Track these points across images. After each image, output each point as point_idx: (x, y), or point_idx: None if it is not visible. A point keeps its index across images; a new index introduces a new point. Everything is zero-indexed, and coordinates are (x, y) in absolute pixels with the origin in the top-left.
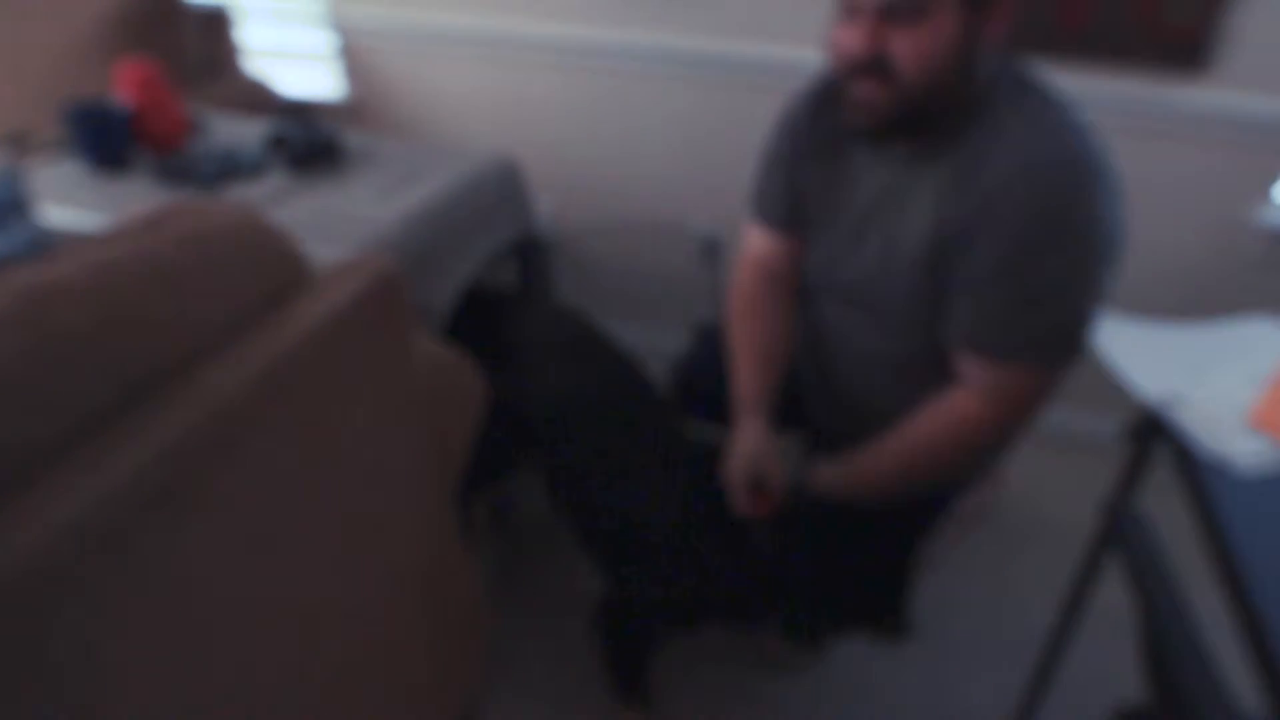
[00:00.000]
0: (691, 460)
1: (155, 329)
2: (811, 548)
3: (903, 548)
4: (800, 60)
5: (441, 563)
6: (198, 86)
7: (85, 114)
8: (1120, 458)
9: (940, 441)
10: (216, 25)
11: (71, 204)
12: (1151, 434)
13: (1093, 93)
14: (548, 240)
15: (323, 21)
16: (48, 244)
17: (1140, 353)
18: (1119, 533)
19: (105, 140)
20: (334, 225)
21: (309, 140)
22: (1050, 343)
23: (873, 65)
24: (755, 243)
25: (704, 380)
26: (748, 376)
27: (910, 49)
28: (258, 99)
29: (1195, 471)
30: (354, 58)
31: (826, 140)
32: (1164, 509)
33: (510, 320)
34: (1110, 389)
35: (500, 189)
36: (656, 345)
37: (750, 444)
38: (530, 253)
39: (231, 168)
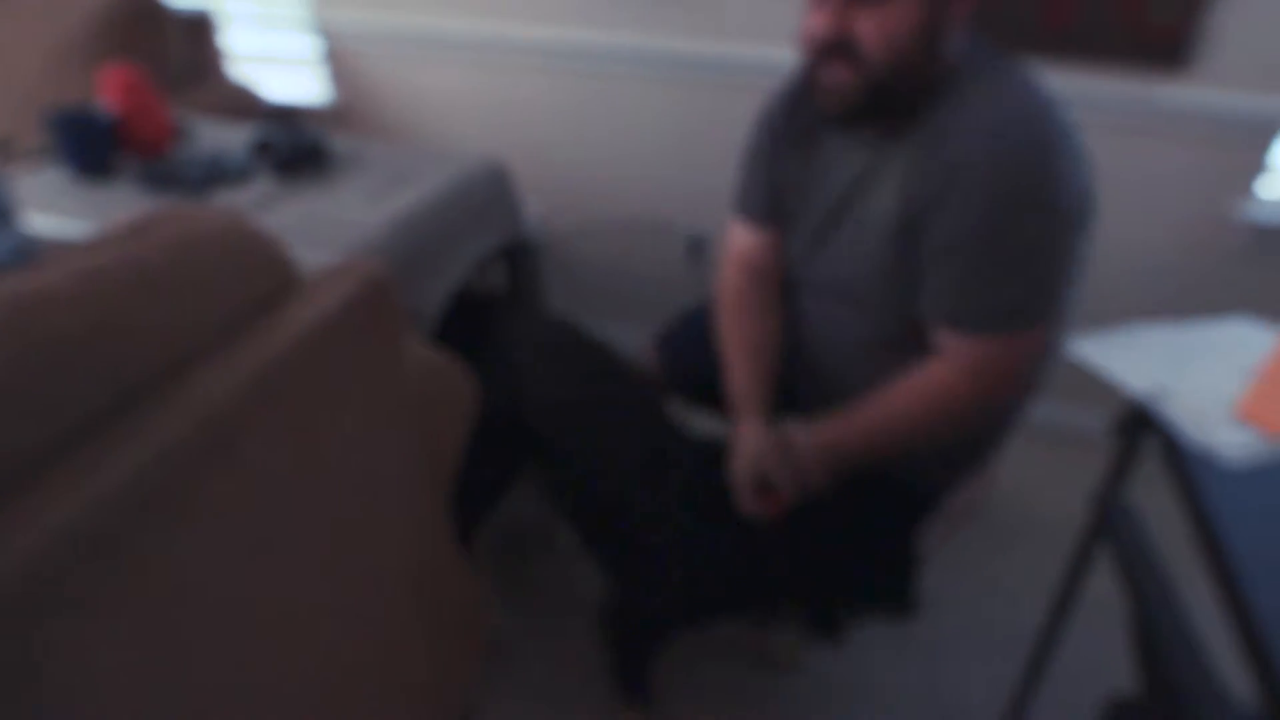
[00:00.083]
0: (695, 460)
1: (144, 335)
2: (818, 538)
3: (905, 530)
4: (784, 60)
5: (435, 565)
6: (182, 92)
7: (69, 120)
8: (1109, 452)
9: (918, 413)
10: (200, 30)
11: (56, 211)
12: (1139, 427)
13: (1077, 91)
14: (536, 243)
15: (307, 26)
16: (33, 252)
17: (1125, 352)
18: (1108, 524)
19: (89, 147)
20: (322, 230)
21: (295, 145)
22: (1023, 312)
23: (840, 47)
24: (739, 239)
25: (689, 359)
26: (742, 375)
27: (875, 30)
28: (242, 104)
29: (1183, 463)
30: (339, 62)
31: (802, 133)
32: (1153, 502)
33: (499, 329)
34: (1098, 385)
35: (489, 192)
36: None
37: (753, 444)
38: (519, 255)
39: (217, 173)
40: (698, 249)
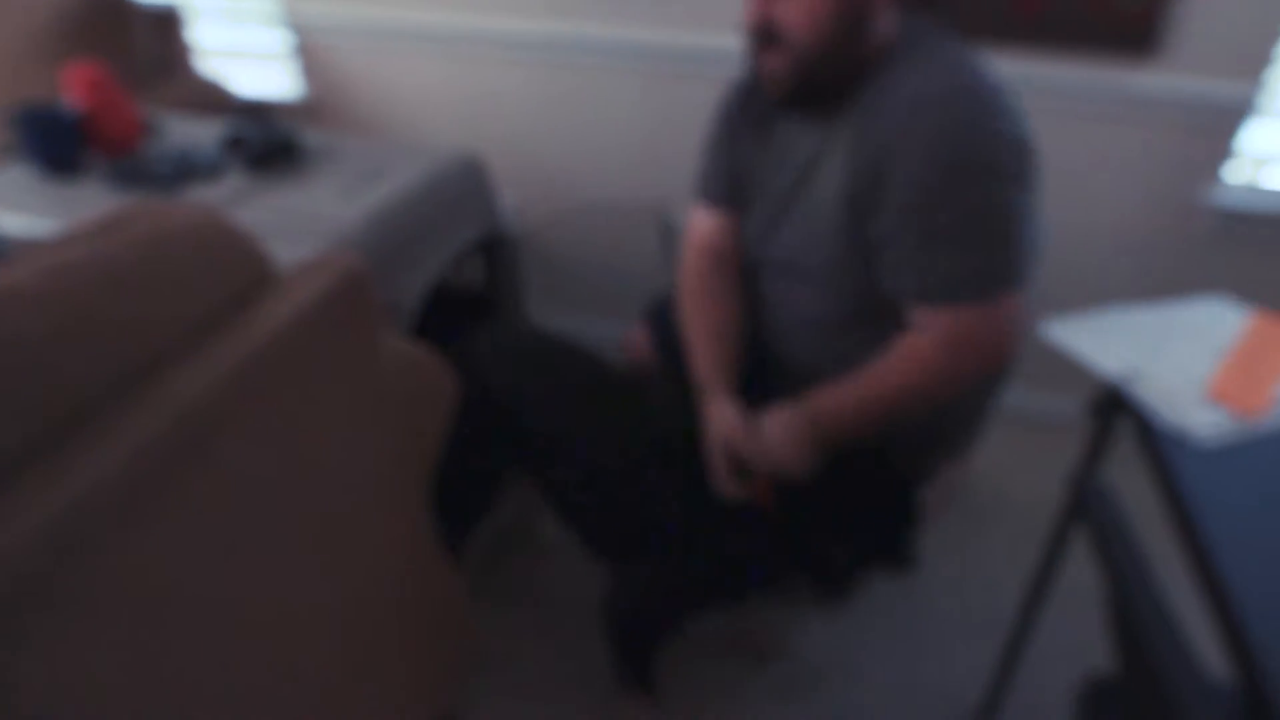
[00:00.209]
0: (685, 446)
1: (116, 333)
2: (811, 516)
3: (900, 490)
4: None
5: (417, 562)
6: (150, 88)
7: (33, 118)
8: (1083, 435)
9: (899, 388)
10: (167, 25)
11: (21, 210)
12: (1113, 409)
13: (1047, 78)
14: (513, 236)
15: (277, 20)
16: (3, 251)
17: (1098, 335)
18: (1084, 505)
19: (55, 144)
20: (296, 225)
21: (267, 140)
22: (989, 275)
23: (767, 34)
24: (700, 224)
25: (680, 335)
26: (706, 356)
27: (794, 15)
28: (212, 99)
29: (1156, 444)
30: (310, 56)
31: (757, 118)
32: (1128, 483)
33: (468, 343)
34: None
35: (464, 186)
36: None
37: (722, 422)
38: (496, 249)
39: (187, 169)
40: (673, 236)
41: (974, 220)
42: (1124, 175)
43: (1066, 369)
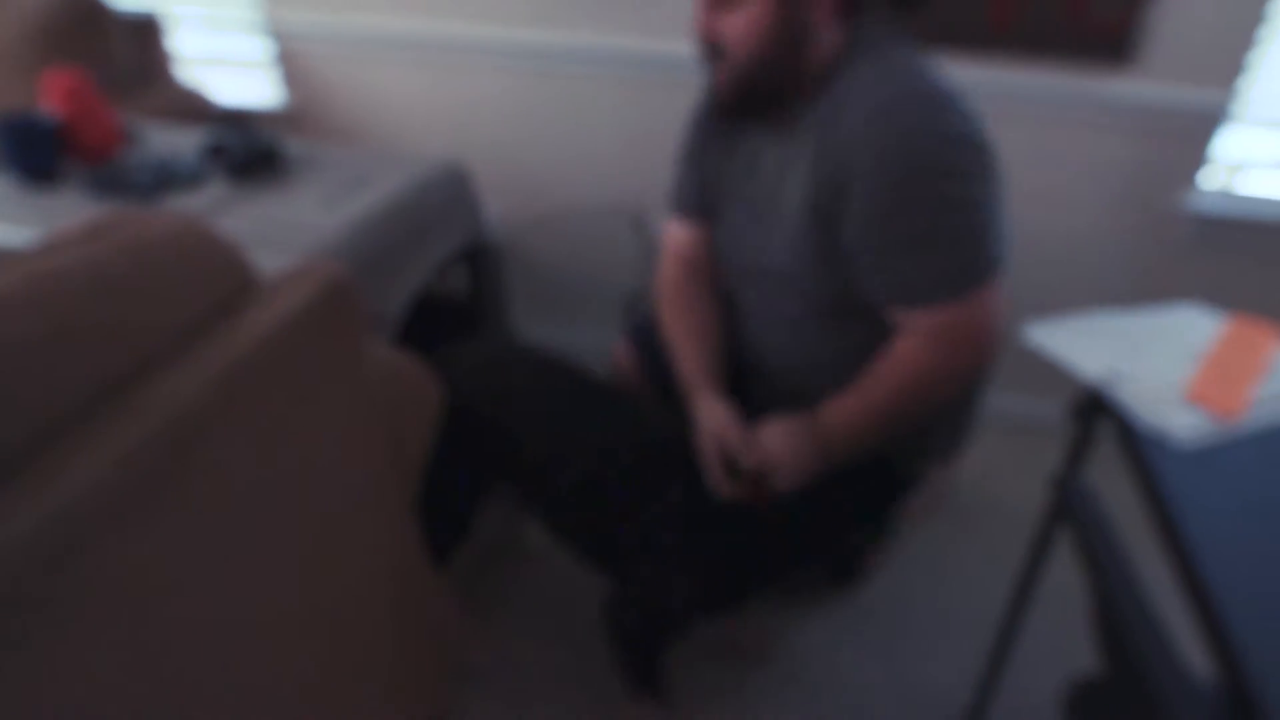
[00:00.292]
0: (678, 451)
1: (101, 339)
2: (809, 507)
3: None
4: None
5: (404, 567)
6: (129, 96)
7: (11, 126)
8: (1065, 438)
9: (898, 393)
10: (146, 33)
11: (0, 219)
12: (1094, 411)
13: (1024, 86)
14: (497, 244)
15: (258, 27)
16: None
17: (1077, 339)
18: (1067, 506)
19: (33, 153)
20: (278, 234)
21: (248, 148)
22: (966, 271)
23: (711, 48)
24: (675, 235)
25: (664, 350)
26: (690, 357)
27: (733, 31)
28: (192, 108)
29: (1136, 445)
30: (291, 64)
31: (725, 130)
32: (1112, 487)
33: (448, 358)
34: (1054, 374)
35: (448, 194)
36: (609, 346)
37: (713, 421)
38: (480, 258)
39: (167, 178)
40: (648, 237)
41: (940, 222)
42: (1101, 181)
43: (1049, 373)
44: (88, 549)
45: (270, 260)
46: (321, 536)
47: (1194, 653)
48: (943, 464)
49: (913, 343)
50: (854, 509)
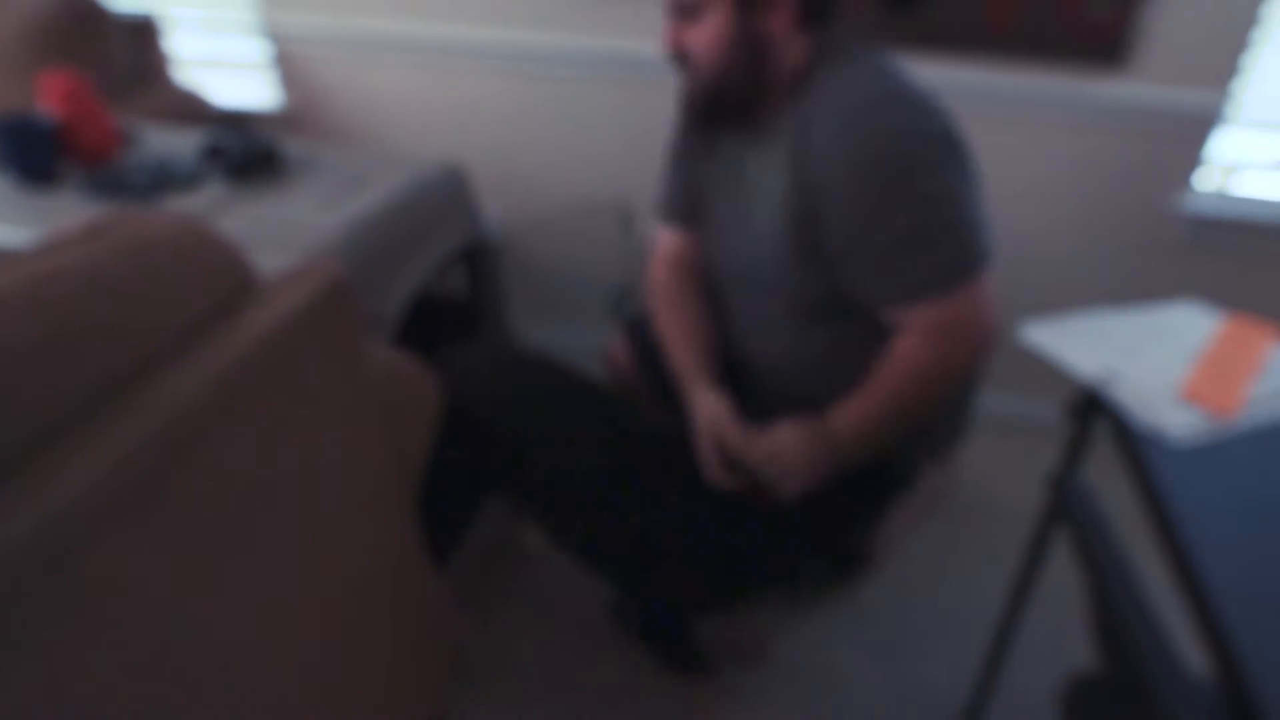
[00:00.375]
0: (683, 456)
1: (101, 340)
2: (808, 502)
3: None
4: None
5: (404, 567)
6: (127, 98)
7: (8, 127)
8: (1062, 438)
9: (903, 391)
10: (144, 35)
11: None
12: (1090, 410)
13: (1020, 88)
14: (495, 245)
15: (255, 29)
16: None
17: (1073, 338)
18: (1065, 505)
19: (30, 154)
20: (277, 234)
21: (247, 149)
22: (956, 264)
23: (678, 59)
24: (664, 240)
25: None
26: (683, 353)
27: (696, 42)
28: (190, 109)
29: (1132, 444)
30: (288, 66)
31: (708, 136)
32: (1110, 487)
33: (446, 364)
34: (1052, 374)
35: (446, 195)
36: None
37: (709, 412)
38: (478, 258)
39: (166, 179)
40: (632, 228)
41: (924, 218)
42: (1096, 183)
43: (1046, 374)
44: (88, 549)
45: (269, 261)
46: (321, 536)
47: (1191, 650)
48: (938, 462)
49: (912, 341)
50: (851, 507)
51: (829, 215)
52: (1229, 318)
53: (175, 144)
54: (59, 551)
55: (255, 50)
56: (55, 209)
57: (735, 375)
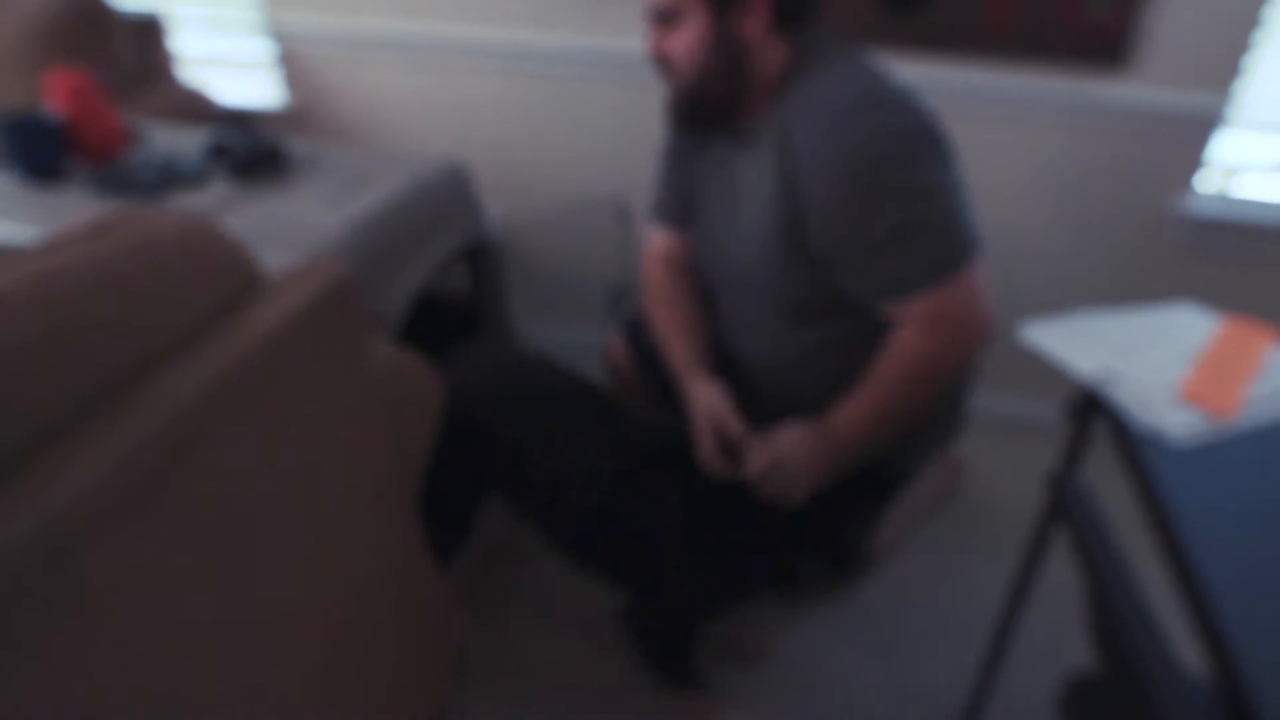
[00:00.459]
0: (677, 453)
1: (106, 337)
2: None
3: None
4: None
5: (406, 565)
6: (132, 96)
7: (15, 125)
8: (1063, 440)
9: (902, 385)
10: (149, 34)
11: (3, 217)
12: (1089, 411)
13: (1021, 89)
14: (497, 243)
15: (259, 29)
16: None
17: (1074, 338)
18: (1064, 505)
19: (37, 151)
20: (281, 232)
21: (251, 148)
22: (945, 254)
23: (661, 64)
24: (658, 241)
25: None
26: (679, 346)
27: (676, 48)
28: (195, 108)
29: (1131, 444)
30: (293, 65)
31: (698, 139)
32: (1110, 489)
33: (450, 368)
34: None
35: (448, 194)
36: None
37: (707, 400)
38: (480, 257)
39: (171, 177)
40: (629, 222)
41: (907, 215)
42: (1097, 184)
43: (1046, 374)
44: (89, 548)
45: (273, 259)
46: (323, 534)
47: (1189, 651)
48: (932, 461)
49: (909, 334)
50: (847, 506)
51: (815, 215)
52: (1228, 319)
53: (180, 142)
54: (60, 550)
55: (259, 49)
56: (61, 206)
57: (727, 375)
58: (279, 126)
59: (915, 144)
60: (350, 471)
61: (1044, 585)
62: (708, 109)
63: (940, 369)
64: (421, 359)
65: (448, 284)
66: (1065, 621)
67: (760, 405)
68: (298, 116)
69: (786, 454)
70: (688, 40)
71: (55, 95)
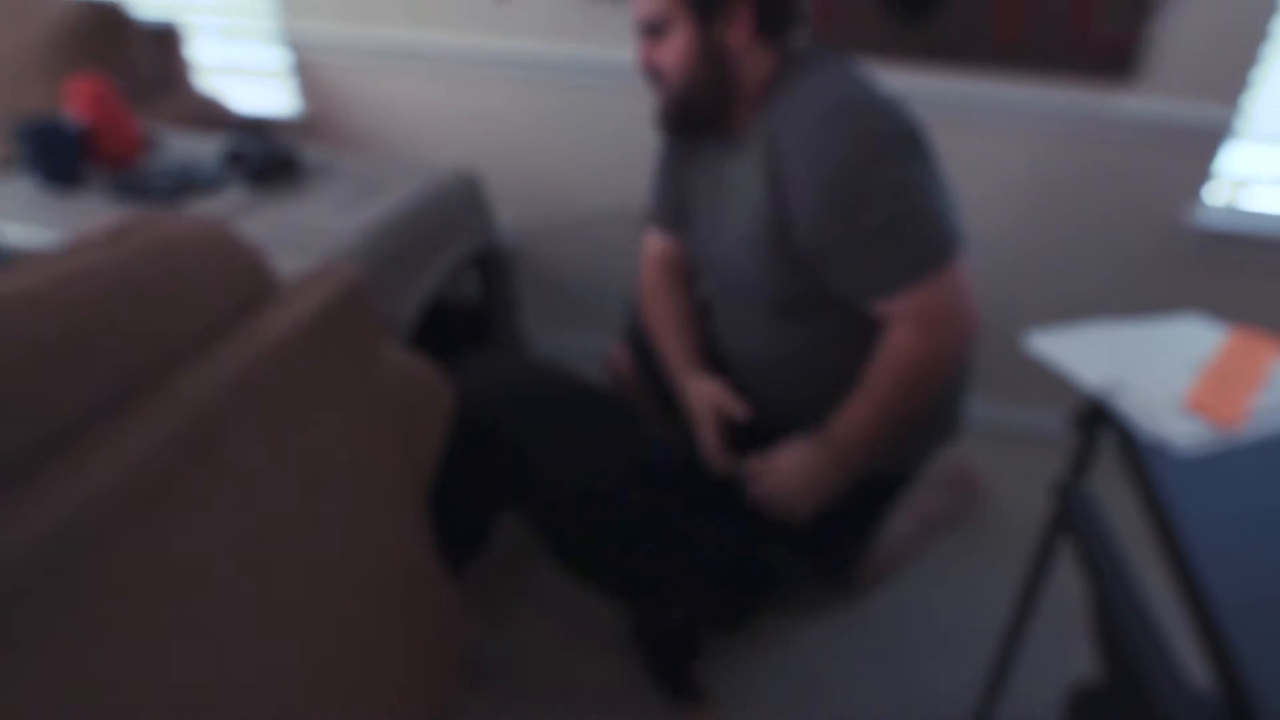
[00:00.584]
0: (690, 472)
1: (126, 338)
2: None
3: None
4: None
5: (413, 568)
6: (149, 103)
7: (35, 131)
8: (1068, 449)
9: (898, 384)
10: (167, 42)
11: (24, 221)
12: (1095, 420)
13: (1030, 101)
14: (509, 251)
15: (275, 38)
16: (5, 261)
17: (1079, 348)
18: (1069, 514)
19: (57, 157)
20: (295, 238)
21: (267, 155)
22: (928, 250)
23: (651, 75)
24: (653, 244)
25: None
26: (673, 343)
27: (665, 58)
28: (211, 116)
29: (1137, 454)
30: (308, 74)
31: (689, 145)
32: (1116, 497)
33: (459, 375)
34: (1059, 385)
35: (460, 201)
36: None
37: (705, 391)
38: (492, 264)
39: (188, 183)
40: (641, 225)
41: (892, 214)
42: (1106, 196)
43: (1053, 384)
44: (107, 544)
45: (287, 264)
46: (332, 534)
47: (1194, 661)
48: (930, 462)
49: (898, 335)
50: (847, 512)
51: (801, 216)
52: (1234, 331)
53: (197, 149)
54: (79, 546)
55: (275, 58)
56: (80, 211)
57: (720, 375)
58: (294, 134)
59: (896, 145)
60: (360, 473)
61: (1051, 595)
62: (696, 115)
63: (933, 367)
64: (432, 364)
65: (459, 291)
66: (1072, 631)
67: (754, 407)
68: (312, 124)
69: (788, 473)
70: (676, 50)
71: (76, 102)
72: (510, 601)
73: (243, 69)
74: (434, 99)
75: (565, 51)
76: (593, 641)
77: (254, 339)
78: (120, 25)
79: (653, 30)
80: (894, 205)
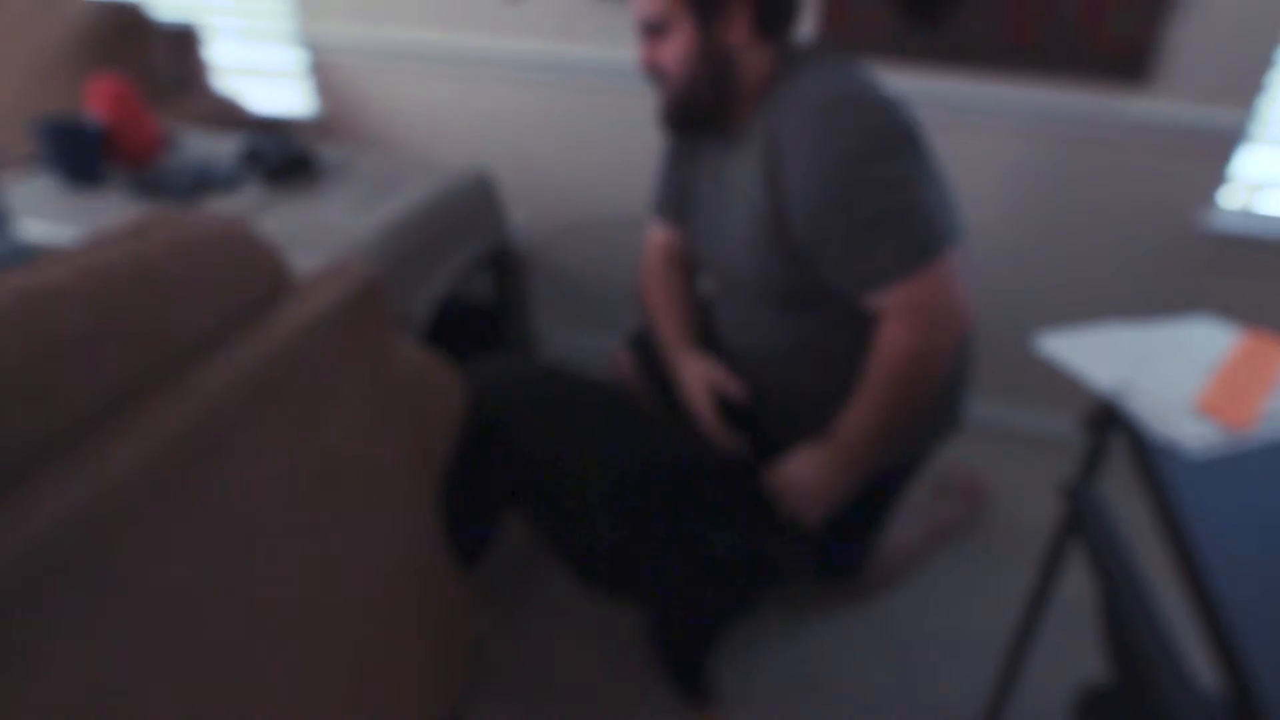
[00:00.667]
0: (721, 484)
1: (146, 332)
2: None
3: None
4: None
5: (425, 563)
6: (168, 103)
7: (57, 129)
8: (1080, 452)
9: (896, 381)
10: (185, 43)
11: (45, 218)
12: (1107, 423)
13: (1043, 104)
14: (522, 251)
15: (292, 39)
16: (29, 257)
17: (1090, 350)
18: (1080, 516)
19: (78, 155)
20: (311, 236)
21: (284, 154)
22: (921, 241)
23: (654, 72)
24: (656, 235)
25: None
26: (669, 323)
27: (666, 57)
28: (228, 115)
29: (1147, 456)
30: (324, 74)
31: (692, 141)
32: (1127, 499)
33: (469, 376)
34: (1071, 389)
35: (474, 201)
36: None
37: (700, 369)
38: (505, 263)
39: (206, 181)
40: None
41: (882, 207)
42: (1121, 199)
43: (1065, 387)
44: (124, 534)
45: (302, 262)
46: (345, 529)
47: (1203, 663)
48: (930, 457)
49: (892, 330)
50: (850, 507)
51: (797, 210)
52: (1247, 333)
53: (214, 148)
54: (98, 535)
55: (292, 59)
56: (101, 208)
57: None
58: (310, 134)
59: (890, 140)
60: (373, 468)
61: (1062, 596)
62: (697, 113)
63: (926, 362)
64: (445, 362)
65: (472, 290)
66: (1083, 633)
67: (760, 401)
68: (328, 124)
69: (800, 478)
70: (676, 49)
71: (96, 101)
72: (517, 600)
73: (260, 69)
74: (448, 99)
75: (578, 52)
76: (599, 640)
77: (269, 335)
78: (140, 26)
79: (653, 30)
80: (886, 200)
